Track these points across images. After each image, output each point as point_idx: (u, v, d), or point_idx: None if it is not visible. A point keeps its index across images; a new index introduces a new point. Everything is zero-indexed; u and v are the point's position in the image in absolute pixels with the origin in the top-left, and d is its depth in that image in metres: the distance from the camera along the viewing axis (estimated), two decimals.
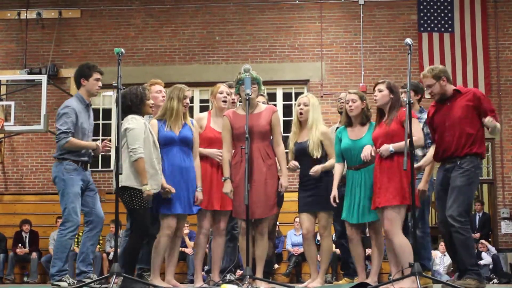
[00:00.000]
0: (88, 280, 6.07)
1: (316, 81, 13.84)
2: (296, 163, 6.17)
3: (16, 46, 14.46)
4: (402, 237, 5.55)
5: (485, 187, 15.20)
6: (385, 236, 5.79)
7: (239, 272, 7.74)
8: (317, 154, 6.08)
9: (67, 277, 6.12)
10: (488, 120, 5.72)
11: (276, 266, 12.47)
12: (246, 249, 5.69)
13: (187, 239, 12.41)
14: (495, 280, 12.01)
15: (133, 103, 5.76)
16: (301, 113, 6.18)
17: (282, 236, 12.97)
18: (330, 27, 14.04)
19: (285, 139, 6.34)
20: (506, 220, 13.46)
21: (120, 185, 5.54)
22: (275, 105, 11.63)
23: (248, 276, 5.49)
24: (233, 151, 5.98)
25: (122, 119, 5.69)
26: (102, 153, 6.35)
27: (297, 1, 14.14)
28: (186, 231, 12.32)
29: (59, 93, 13.90)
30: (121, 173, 5.38)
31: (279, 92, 14.02)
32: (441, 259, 12.54)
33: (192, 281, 10.58)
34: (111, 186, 6.00)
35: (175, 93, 6.04)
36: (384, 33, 13.93)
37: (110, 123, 14.13)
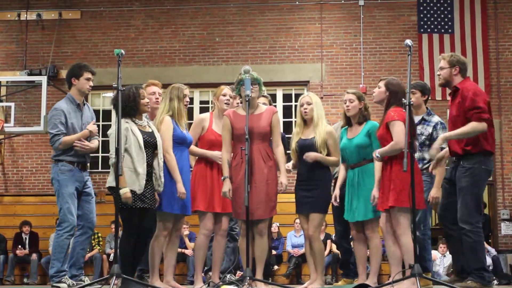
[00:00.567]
0: (83, 283, 6.08)
1: (316, 82, 13.84)
2: (290, 165, 6.28)
3: (16, 47, 14.46)
4: (409, 237, 5.54)
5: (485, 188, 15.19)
6: (383, 237, 5.79)
7: (239, 273, 7.73)
8: (323, 152, 6.06)
9: (67, 278, 6.12)
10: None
11: (275, 267, 12.50)
12: (246, 250, 5.69)
13: (187, 241, 12.41)
14: (495, 282, 12.00)
15: (127, 104, 5.76)
16: (305, 112, 6.17)
17: (282, 237, 12.97)
18: (330, 28, 14.04)
19: (288, 140, 6.34)
20: (506, 222, 13.45)
21: (108, 185, 5.65)
22: (275, 106, 11.61)
23: (248, 277, 5.48)
24: (232, 154, 5.98)
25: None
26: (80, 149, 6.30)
27: (297, 2, 14.14)
28: (186, 232, 12.32)
29: (59, 94, 13.87)
30: (121, 175, 5.38)
31: (279, 93, 14.01)
32: (441, 260, 12.53)
33: (192, 283, 10.55)
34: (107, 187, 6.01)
35: (175, 93, 6.05)
36: (384, 34, 13.93)
37: (110, 124, 14.11)
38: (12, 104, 12.77)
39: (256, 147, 5.83)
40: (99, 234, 12.92)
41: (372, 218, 5.99)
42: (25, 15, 14.36)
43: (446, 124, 6.57)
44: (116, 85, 5.48)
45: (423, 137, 6.38)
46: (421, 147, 6.36)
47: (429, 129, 6.38)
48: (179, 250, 10.92)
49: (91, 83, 6.43)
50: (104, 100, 14.29)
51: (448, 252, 12.14)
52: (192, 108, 13.38)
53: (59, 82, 14.01)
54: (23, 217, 13.50)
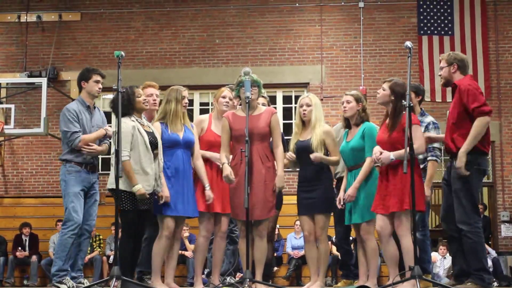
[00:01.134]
0: (82, 285, 6.09)
1: (316, 84, 13.84)
2: (291, 153, 6.17)
3: (16, 49, 14.46)
4: (409, 239, 5.54)
5: (485, 190, 15.17)
6: (379, 240, 5.79)
7: (238, 275, 7.73)
8: (320, 152, 6.07)
9: (68, 279, 6.13)
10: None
11: (275, 268, 12.49)
12: (246, 252, 5.69)
13: (187, 242, 12.40)
14: (495, 283, 11.99)
15: (123, 105, 5.78)
16: (304, 114, 6.18)
17: (282, 239, 12.96)
18: (330, 30, 14.05)
19: (288, 142, 6.35)
20: (506, 223, 13.45)
21: (109, 187, 5.64)
22: (275, 107, 11.63)
23: (248, 279, 5.48)
24: (230, 156, 5.99)
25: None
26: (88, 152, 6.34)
27: (297, 4, 14.15)
28: (186, 234, 12.32)
29: (59, 96, 13.91)
30: (121, 176, 5.39)
31: (279, 95, 14.02)
32: (441, 262, 12.53)
33: (192, 284, 10.54)
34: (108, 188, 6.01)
35: (173, 95, 6.06)
36: (384, 36, 13.93)
37: (110, 126, 14.10)
38: (12, 106, 12.77)
39: (255, 147, 5.84)
40: (100, 236, 12.93)
41: (368, 220, 5.98)
42: (25, 17, 14.37)
43: (439, 124, 6.62)
44: (116, 87, 5.49)
45: None
46: None
47: (422, 129, 6.40)
48: (179, 252, 10.91)
49: (100, 86, 6.49)
50: (104, 102, 14.28)
51: (448, 254, 12.14)
52: (192, 110, 13.38)
53: (59, 84, 14.03)
54: (23, 219, 13.50)
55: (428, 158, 6.56)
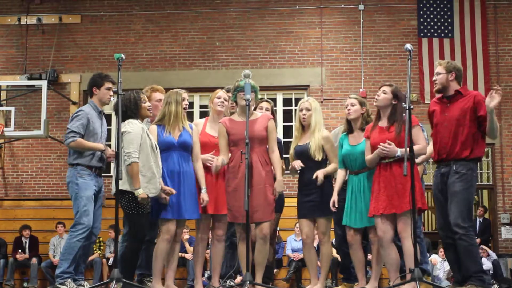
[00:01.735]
0: None
1: (316, 86, 13.85)
2: (300, 162, 6.13)
3: (16, 51, 14.47)
4: (410, 241, 5.54)
5: (485, 192, 15.19)
6: (380, 244, 5.78)
7: (239, 278, 7.73)
8: (318, 156, 6.06)
9: (70, 281, 6.12)
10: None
11: (275, 270, 12.48)
12: (246, 255, 5.69)
13: (187, 245, 12.40)
14: (495, 286, 11.99)
15: (128, 108, 5.80)
16: (304, 118, 6.18)
17: (282, 241, 12.95)
18: (330, 33, 14.05)
19: (287, 145, 6.35)
20: (506, 226, 13.44)
21: (119, 189, 5.58)
22: (275, 110, 11.62)
23: (248, 282, 5.48)
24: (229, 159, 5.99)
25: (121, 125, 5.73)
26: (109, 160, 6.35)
27: (297, 7, 14.16)
28: (186, 236, 12.32)
29: (59, 98, 13.93)
30: (121, 179, 5.39)
31: (279, 97, 14.01)
32: (441, 264, 12.52)
33: (192, 287, 10.55)
34: (111, 192, 6.01)
35: (173, 98, 6.07)
36: (384, 39, 13.94)
37: (111, 129, 14.12)
38: (12, 109, 12.78)
39: (254, 151, 5.85)
40: (100, 239, 12.92)
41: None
42: (25, 20, 14.37)
43: (424, 126, 6.62)
44: (116, 90, 5.50)
45: None
46: None
47: None
48: (179, 254, 10.90)
49: (111, 93, 6.42)
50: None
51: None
52: (192, 112, 13.38)
53: (59, 86, 14.04)
54: (23, 221, 13.50)
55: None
